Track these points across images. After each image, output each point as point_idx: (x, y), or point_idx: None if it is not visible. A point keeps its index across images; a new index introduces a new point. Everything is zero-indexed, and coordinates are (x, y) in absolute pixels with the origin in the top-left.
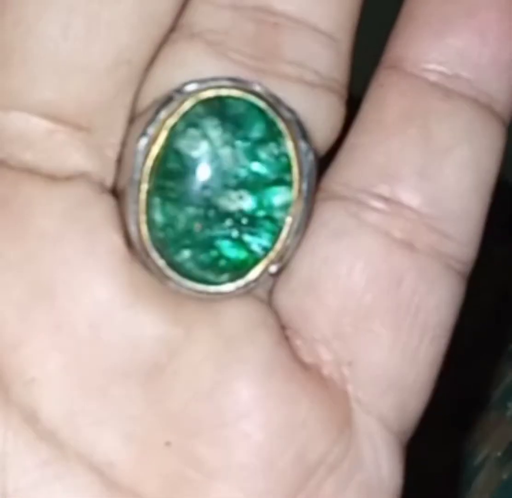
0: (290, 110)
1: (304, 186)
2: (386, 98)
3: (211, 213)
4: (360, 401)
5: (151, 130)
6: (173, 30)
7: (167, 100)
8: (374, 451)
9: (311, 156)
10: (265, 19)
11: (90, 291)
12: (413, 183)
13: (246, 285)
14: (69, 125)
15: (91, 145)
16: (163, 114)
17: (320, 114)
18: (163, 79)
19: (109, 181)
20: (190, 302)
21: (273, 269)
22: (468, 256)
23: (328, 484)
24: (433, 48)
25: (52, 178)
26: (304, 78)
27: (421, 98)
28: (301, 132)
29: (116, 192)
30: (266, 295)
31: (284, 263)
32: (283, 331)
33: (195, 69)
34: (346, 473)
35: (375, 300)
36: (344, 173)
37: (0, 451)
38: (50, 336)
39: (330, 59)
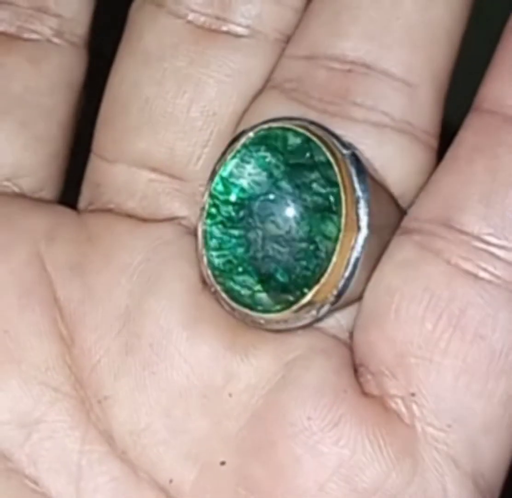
0: (346, 144)
1: (357, 216)
2: (462, 135)
3: (264, 240)
4: (427, 435)
5: (217, 168)
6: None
7: (230, 142)
8: (442, 487)
9: (368, 191)
10: (337, 66)
11: (152, 312)
12: (480, 213)
13: (299, 309)
14: (164, 175)
15: (185, 193)
16: (228, 152)
17: (388, 153)
18: (242, 127)
19: None
20: (252, 329)
21: (330, 298)
22: None
23: None
24: (507, 88)
25: (142, 219)
26: (369, 119)
27: (493, 132)
28: (356, 166)
29: None
30: (347, 336)
31: (342, 292)
32: (357, 368)
33: (269, 115)
34: None
35: (436, 327)
36: (415, 208)
37: (76, 464)
38: (120, 357)
39: (401, 102)
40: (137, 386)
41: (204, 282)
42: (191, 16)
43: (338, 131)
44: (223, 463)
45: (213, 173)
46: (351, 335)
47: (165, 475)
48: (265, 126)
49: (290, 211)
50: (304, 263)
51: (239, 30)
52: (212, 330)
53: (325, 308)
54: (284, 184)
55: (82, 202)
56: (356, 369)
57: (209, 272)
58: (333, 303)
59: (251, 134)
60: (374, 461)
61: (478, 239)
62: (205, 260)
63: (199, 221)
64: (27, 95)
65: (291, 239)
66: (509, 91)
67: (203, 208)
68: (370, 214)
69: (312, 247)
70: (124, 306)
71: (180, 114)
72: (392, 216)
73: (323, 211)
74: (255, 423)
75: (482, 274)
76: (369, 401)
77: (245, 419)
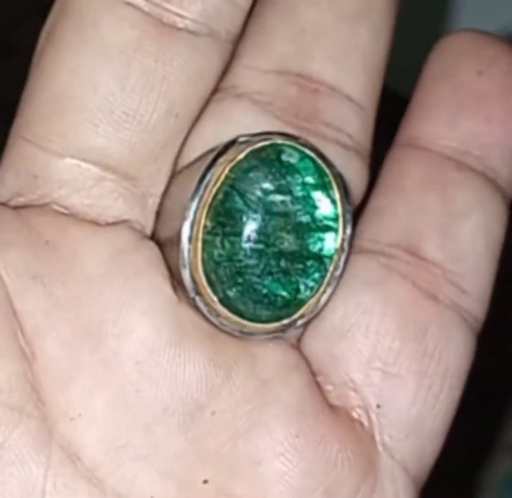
0: (331, 164)
1: (346, 236)
2: (405, 168)
3: (266, 252)
4: (385, 445)
5: (209, 175)
6: (217, 91)
7: (224, 149)
8: (396, 493)
9: (351, 207)
10: (306, 85)
11: (136, 330)
12: (437, 242)
13: (290, 324)
14: (117, 173)
15: (135, 194)
16: (220, 161)
17: (349, 174)
18: (210, 133)
19: (148, 229)
20: (230, 343)
21: (309, 314)
22: (480, 312)
23: None
24: (446, 129)
25: (96, 223)
26: (340, 140)
27: (438, 168)
28: (344, 186)
29: (157, 241)
30: (295, 341)
31: (323, 307)
32: (314, 376)
33: (243, 124)
34: None
35: (403, 345)
36: (372, 230)
37: (41, 488)
38: (97, 374)
39: (359, 126)
40: (118, 403)
41: (174, 288)
42: (149, 8)
43: None
44: (205, 481)
45: (202, 179)
46: (298, 342)
47: (142, 492)
48: (267, 142)
49: (295, 227)
50: (305, 278)
51: (197, 27)
52: (197, 346)
53: (302, 321)
54: (289, 200)
55: (3, 191)
56: (313, 375)
57: (204, 281)
58: (311, 317)
59: (254, 147)
60: (350, 476)
61: (437, 266)
62: (200, 268)
63: (186, 228)
64: None
65: (296, 254)
66: (444, 132)
67: (195, 214)
68: (352, 234)
69: (316, 264)
70: (98, 320)
71: (146, 113)
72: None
73: (325, 230)
74: (237, 441)
75: (441, 297)
76: (340, 416)
77: (226, 436)
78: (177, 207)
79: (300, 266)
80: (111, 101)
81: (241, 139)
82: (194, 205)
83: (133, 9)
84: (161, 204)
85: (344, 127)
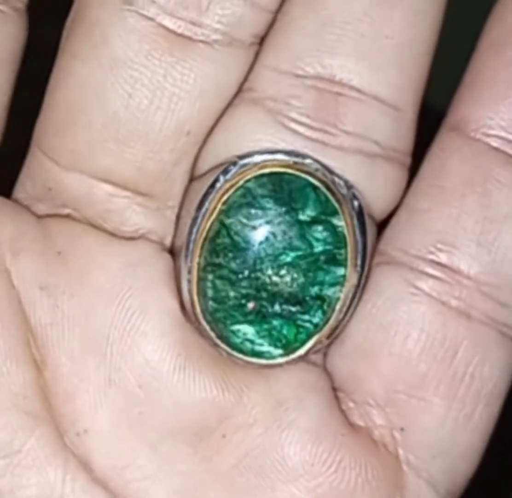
0: (347, 185)
1: (359, 261)
2: (448, 163)
3: (262, 292)
4: (410, 464)
5: (206, 204)
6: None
7: (223, 172)
8: None
9: (366, 231)
10: (326, 88)
11: (141, 351)
12: (471, 252)
13: (297, 358)
14: (128, 190)
15: (150, 208)
16: (218, 187)
17: (377, 184)
18: (221, 145)
19: (169, 240)
20: (239, 367)
21: (325, 342)
22: None
23: None
24: (497, 112)
25: (113, 235)
26: (362, 150)
27: (482, 164)
28: (358, 208)
29: (173, 250)
30: (321, 357)
31: (337, 334)
32: (335, 392)
33: (253, 137)
34: None
35: (430, 369)
36: (402, 237)
37: (58, 494)
38: (101, 391)
39: (390, 129)
40: (121, 423)
41: (183, 308)
42: (163, 19)
43: (332, 163)
44: None
45: (200, 207)
46: (324, 355)
47: None
48: (266, 170)
49: (296, 262)
50: (308, 317)
51: (215, 37)
52: (203, 370)
53: (316, 350)
54: (286, 237)
55: (21, 194)
56: (334, 391)
57: (201, 318)
58: (326, 346)
59: (251, 175)
60: None
61: (470, 279)
62: (198, 307)
63: (183, 258)
64: None
65: (296, 294)
66: (494, 116)
67: (193, 246)
68: (366, 258)
69: (318, 302)
70: (104, 336)
71: (152, 133)
72: (375, 246)
73: (330, 264)
74: (250, 464)
75: (474, 313)
76: (361, 437)
77: (237, 457)
78: (185, 220)
79: (297, 307)
80: (116, 119)
81: (242, 161)
82: (192, 237)
83: (144, 19)
84: (178, 213)
85: (369, 133)
